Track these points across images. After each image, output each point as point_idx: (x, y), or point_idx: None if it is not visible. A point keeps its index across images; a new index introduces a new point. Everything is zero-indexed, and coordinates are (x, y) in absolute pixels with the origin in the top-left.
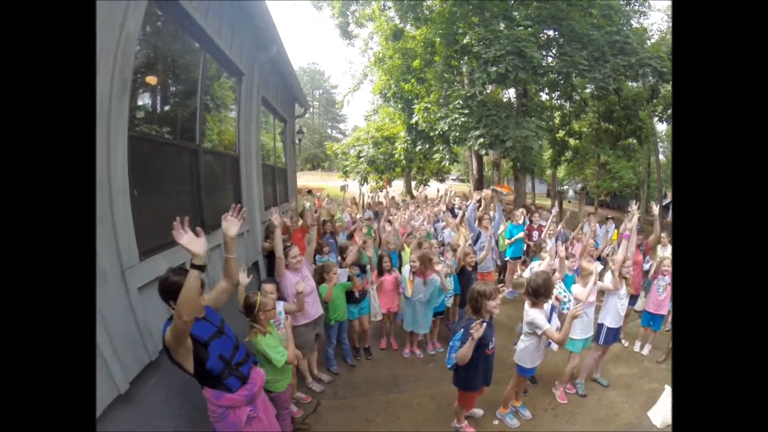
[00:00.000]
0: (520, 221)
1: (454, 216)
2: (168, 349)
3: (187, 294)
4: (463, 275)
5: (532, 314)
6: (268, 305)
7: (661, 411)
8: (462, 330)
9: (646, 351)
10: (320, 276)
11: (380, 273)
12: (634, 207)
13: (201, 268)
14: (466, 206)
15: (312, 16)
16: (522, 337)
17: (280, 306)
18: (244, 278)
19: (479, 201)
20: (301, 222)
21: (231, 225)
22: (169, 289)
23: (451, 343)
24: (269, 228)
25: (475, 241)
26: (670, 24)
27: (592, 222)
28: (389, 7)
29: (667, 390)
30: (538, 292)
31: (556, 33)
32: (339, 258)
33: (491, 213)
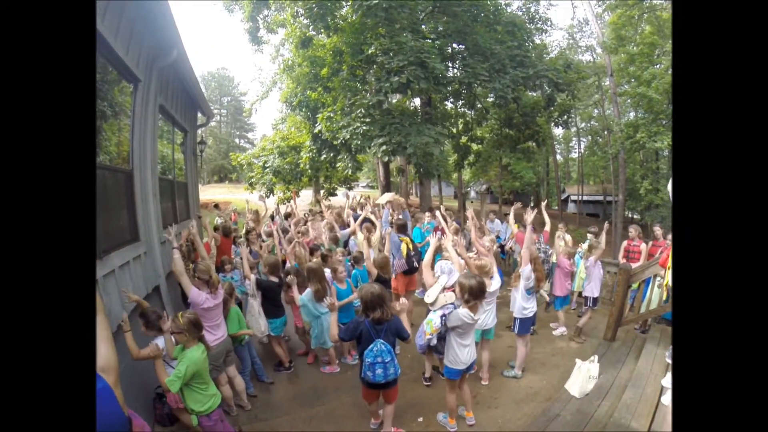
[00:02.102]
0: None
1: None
2: None
3: None
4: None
5: (464, 312)
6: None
7: (577, 383)
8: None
9: (557, 332)
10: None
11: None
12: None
13: None
14: (372, 212)
15: (224, 19)
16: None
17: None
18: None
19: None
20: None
21: None
22: None
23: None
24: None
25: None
26: (570, 41)
27: (476, 219)
28: (303, 15)
29: (578, 363)
30: (476, 295)
31: (462, 46)
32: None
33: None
